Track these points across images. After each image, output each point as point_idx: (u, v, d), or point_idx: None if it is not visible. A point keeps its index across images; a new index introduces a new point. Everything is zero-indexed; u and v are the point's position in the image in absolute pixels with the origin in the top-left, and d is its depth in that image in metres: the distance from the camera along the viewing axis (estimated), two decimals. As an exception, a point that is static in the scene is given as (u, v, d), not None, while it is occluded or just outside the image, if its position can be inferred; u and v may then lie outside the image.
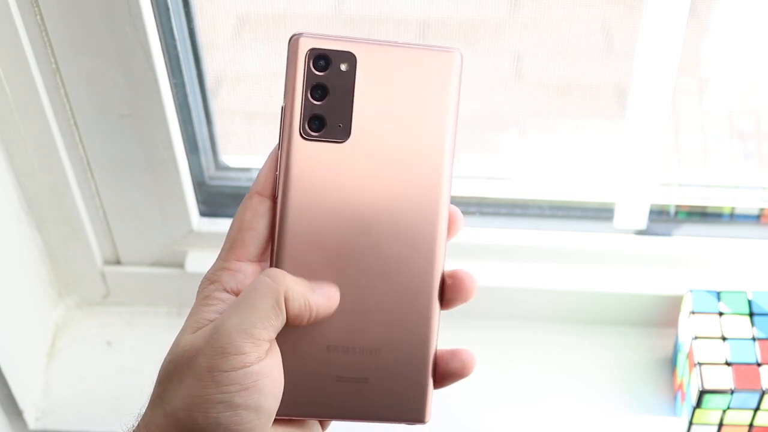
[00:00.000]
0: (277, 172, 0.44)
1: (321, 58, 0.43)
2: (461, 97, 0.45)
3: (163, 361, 0.43)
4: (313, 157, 0.43)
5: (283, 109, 0.43)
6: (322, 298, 0.43)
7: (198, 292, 0.45)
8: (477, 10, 0.74)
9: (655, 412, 0.77)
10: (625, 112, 0.76)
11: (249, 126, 0.86)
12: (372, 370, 0.46)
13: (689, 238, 0.81)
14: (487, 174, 0.84)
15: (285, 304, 0.42)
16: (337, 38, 0.43)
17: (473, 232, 0.81)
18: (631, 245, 0.81)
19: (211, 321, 0.43)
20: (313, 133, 0.43)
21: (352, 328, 0.45)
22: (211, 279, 0.44)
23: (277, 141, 0.44)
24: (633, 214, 0.80)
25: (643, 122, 0.74)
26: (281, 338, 0.43)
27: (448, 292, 0.46)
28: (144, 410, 0.43)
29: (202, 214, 0.82)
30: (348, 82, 0.43)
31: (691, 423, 0.72)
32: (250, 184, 0.83)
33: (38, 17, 0.66)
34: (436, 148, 0.45)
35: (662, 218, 0.82)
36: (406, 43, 0.44)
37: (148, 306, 0.86)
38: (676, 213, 0.83)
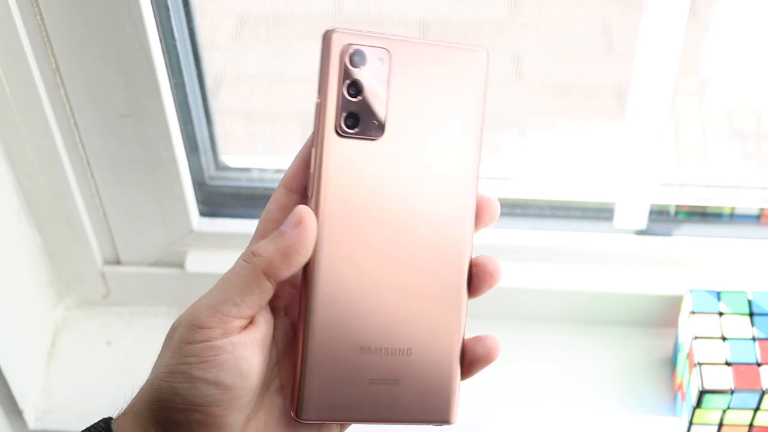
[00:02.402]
0: (311, 170, 0.43)
1: (357, 54, 0.42)
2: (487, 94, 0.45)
3: None
4: (347, 155, 0.43)
5: (318, 106, 0.42)
6: (290, 236, 0.42)
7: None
8: (477, 10, 0.74)
9: (655, 412, 0.77)
10: (625, 112, 0.76)
11: (249, 126, 0.86)
12: (403, 370, 0.45)
13: (689, 238, 0.81)
14: (487, 174, 0.84)
15: (269, 275, 0.42)
16: (370, 34, 0.42)
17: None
18: (631, 245, 0.81)
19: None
20: (348, 130, 0.42)
21: (385, 329, 0.45)
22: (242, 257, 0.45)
23: (311, 137, 0.43)
24: (633, 214, 0.80)
25: (643, 122, 0.74)
26: (313, 340, 0.42)
27: (475, 281, 0.46)
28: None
29: (202, 214, 0.82)
30: (383, 78, 0.43)
31: (691, 423, 0.72)
32: (250, 184, 0.84)
33: (38, 17, 0.66)
34: (465, 144, 0.45)
35: (662, 218, 0.83)
36: (436, 41, 0.43)
37: (148, 306, 0.86)
38: (676, 213, 0.83)
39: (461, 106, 0.44)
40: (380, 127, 0.43)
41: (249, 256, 0.42)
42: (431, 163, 0.44)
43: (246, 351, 0.42)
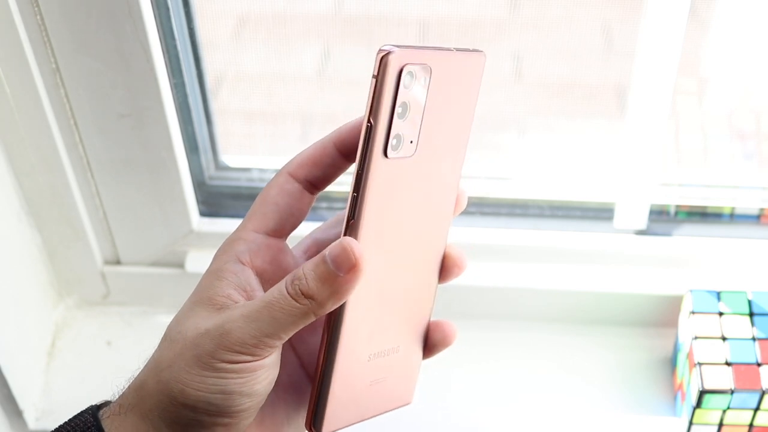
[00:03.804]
0: (355, 193, 0.41)
1: (409, 75, 0.41)
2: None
3: (171, 321, 0.44)
4: (388, 176, 0.42)
5: (368, 129, 0.41)
6: (345, 281, 0.41)
7: (213, 259, 0.45)
8: (477, 10, 0.74)
9: (655, 412, 0.77)
10: (625, 112, 0.76)
11: (249, 126, 0.86)
12: (392, 366, 0.46)
13: (689, 238, 0.81)
14: (487, 174, 0.84)
15: (317, 313, 0.42)
16: (415, 48, 0.41)
17: (473, 232, 0.82)
18: (631, 245, 0.81)
19: (226, 297, 0.43)
20: (394, 152, 0.41)
21: (385, 332, 0.45)
22: (225, 249, 0.45)
23: (358, 159, 0.41)
24: (633, 214, 0.80)
25: (643, 122, 0.74)
26: (338, 363, 0.43)
27: (444, 271, 0.47)
28: (138, 371, 0.44)
29: (202, 214, 0.82)
30: (423, 95, 0.42)
31: (691, 423, 0.72)
32: (250, 184, 0.84)
33: (38, 17, 0.66)
34: (462, 144, 0.45)
35: (662, 218, 0.83)
36: (449, 47, 0.42)
37: (148, 306, 0.86)
38: (676, 213, 0.83)
39: (464, 110, 0.44)
40: (415, 145, 0.42)
41: (300, 297, 0.41)
42: (444, 170, 0.44)
43: (276, 359, 0.43)
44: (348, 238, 0.41)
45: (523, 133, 0.85)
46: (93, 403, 0.46)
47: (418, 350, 0.48)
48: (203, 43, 0.75)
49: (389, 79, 0.40)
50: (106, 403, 0.46)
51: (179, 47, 0.72)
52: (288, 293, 0.41)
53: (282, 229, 0.45)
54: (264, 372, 0.42)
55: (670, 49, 0.69)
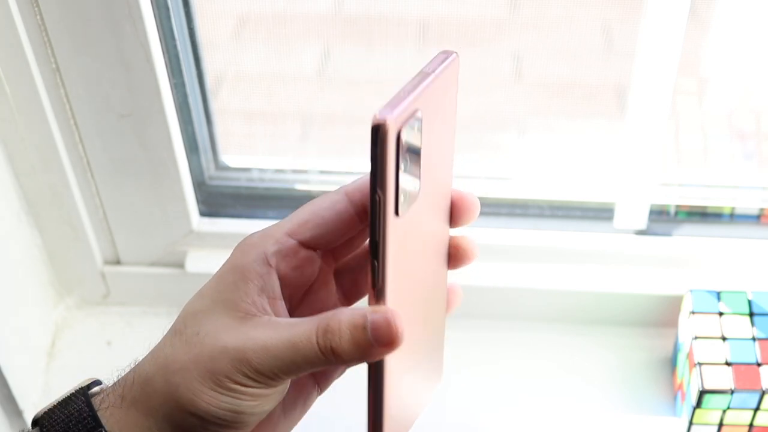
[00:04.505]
0: (374, 259, 0.40)
1: (405, 132, 0.39)
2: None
3: (187, 310, 0.43)
4: (402, 229, 0.41)
5: (378, 201, 0.39)
6: (377, 353, 0.40)
7: (240, 248, 0.43)
8: (477, 10, 0.74)
9: (655, 412, 0.77)
10: (625, 112, 0.76)
11: (249, 126, 0.86)
12: (418, 365, 0.46)
13: (689, 238, 0.81)
14: (487, 174, 0.84)
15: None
16: (403, 101, 0.39)
17: (473, 232, 0.82)
18: (631, 245, 0.81)
19: (251, 303, 0.42)
20: (404, 207, 0.41)
21: (418, 341, 0.45)
22: (254, 243, 0.43)
23: (371, 226, 0.40)
24: (633, 214, 0.80)
25: (643, 122, 0.74)
26: (387, 387, 0.42)
27: (454, 261, 0.47)
28: (140, 360, 0.43)
29: (202, 214, 0.82)
30: (419, 141, 0.41)
31: (691, 423, 0.72)
32: (250, 184, 0.84)
33: (38, 17, 0.66)
34: (451, 153, 0.44)
35: (662, 218, 0.83)
36: (428, 72, 0.41)
37: (148, 306, 0.86)
38: (676, 213, 0.83)
39: (450, 124, 0.43)
40: (419, 184, 0.41)
41: (329, 352, 0.40)
42: (441, 191, 0.44)
43: (288, 383, 0.43)
44: (392, 311, 0.40)
45: (523, 133, 0.85)
46: (80, 385, 0.44)
47: (442, 341, 0.48)
48: (203, 43, 0.75)
49: (390, 149, 0.38)
50: (95, 383, 0.45)
51: (179, 47, 0.72)
52: (317, 344, 0.40)
53: (317, 243, 0.44)
54: (276, 395, 0.42)
55: (670, 49, 0.69)
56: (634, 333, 0.82)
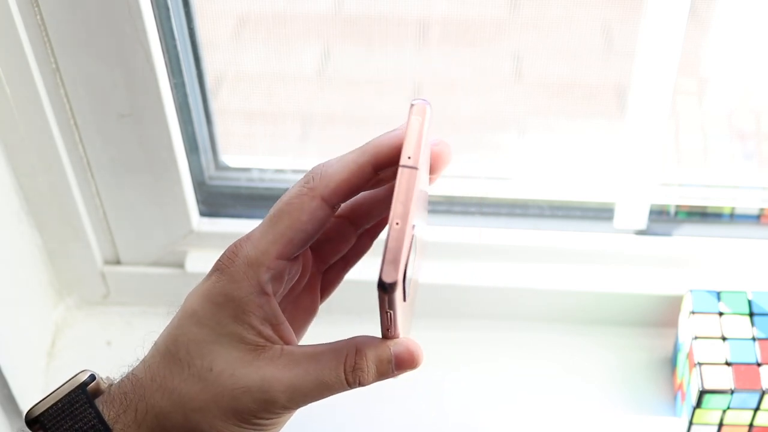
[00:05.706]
0: (387, 329, 0.43)
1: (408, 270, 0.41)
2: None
3: (189, 345, 0.44)
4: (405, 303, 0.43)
5: (389, 316, 0.42)
6: (392, 376, 0.44)
7: (233, 277, 0.43)
8: (477, 10, 0.74)
9: (655, 412, 0.77)
10: (625, 112, 0.76)
11: (249, 126, 0.86)
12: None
13: (689, 238, 0.81)
14: (487, 174, 0.84)
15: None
16: (401, 252, 0.39)
17: (473, 232, 0.81)
18: (631, 245, 0.81)
19: (257, 334, 0.43)
20: (408, 296, 0.42)
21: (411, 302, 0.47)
22: (246, 273, 0.43)
23: (381, 317, 0.42)
24: (633, 214, 0.80)
25: (643, 122, 0.74)
26: None
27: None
28: (150, 389, 0.44)
29: (202, 214, 0.82)
30: (414, 253, 0.42)
31: (691, 423, 0.72)
32: (250, 184, 0.84)
33: (38, 17, 0.66)
34: (427, 158, 0.44)
35: (662, 218, 0.82)
36: (411, 166, 0.40)
37: (148, 306, 0.86)
38: (676, 213, 0.83)
39: (426, 159, 0.43)
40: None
41: (356, 385, 0.43)
42: (426, 197, 0.45)
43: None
44: (411, 342, 0.44)
45: (523, 133, 0.85)
46: (83, 390, 0.44)
47: None
48: (203, 43, 0.75)
49: (398, 292, 0.40)
50: (90, 377, 0.45)
51: (179, 47, 0.72)
52: (346, 380, 0.43)
53: (302, 253, 0.45)
54: (288, 417, 0.44)
55: (670, 49, 0.69)
56: (634, 333, 0.82)
